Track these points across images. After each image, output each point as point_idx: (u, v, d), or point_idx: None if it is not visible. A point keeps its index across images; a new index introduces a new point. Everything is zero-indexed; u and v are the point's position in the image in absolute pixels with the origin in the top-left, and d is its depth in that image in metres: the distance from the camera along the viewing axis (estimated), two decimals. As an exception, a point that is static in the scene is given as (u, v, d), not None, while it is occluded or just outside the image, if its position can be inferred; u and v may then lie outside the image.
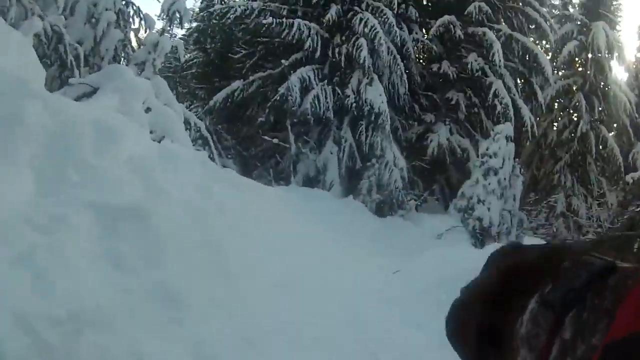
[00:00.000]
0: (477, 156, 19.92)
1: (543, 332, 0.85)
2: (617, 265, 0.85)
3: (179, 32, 31.59)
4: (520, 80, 24.37)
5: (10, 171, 5.60)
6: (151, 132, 10.40)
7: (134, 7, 15.79)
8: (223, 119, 21.92)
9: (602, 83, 26.87)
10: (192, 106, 23.26)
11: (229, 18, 21.57)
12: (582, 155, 26.26)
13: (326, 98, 19.66)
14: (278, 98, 19.30)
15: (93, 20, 13.95)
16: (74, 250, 5.34)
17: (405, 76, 21.18)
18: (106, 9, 13.91)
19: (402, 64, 20.95)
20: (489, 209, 17.84)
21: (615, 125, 28.16)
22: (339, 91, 20.02)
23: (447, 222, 18.08)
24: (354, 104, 19.55)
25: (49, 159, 6.08)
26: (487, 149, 18.27)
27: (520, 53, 23.43)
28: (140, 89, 10.57)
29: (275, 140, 19.34)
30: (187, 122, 13.95)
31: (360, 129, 19.57)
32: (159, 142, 10.02)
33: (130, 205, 6.25)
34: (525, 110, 22.10)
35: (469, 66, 21.78)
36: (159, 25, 17.61)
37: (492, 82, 21.62)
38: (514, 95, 22.11)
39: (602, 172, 27.03)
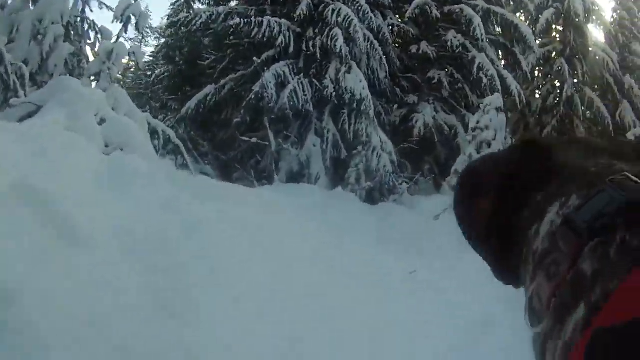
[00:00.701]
0: (465, 131, 19.12)
1: (564, 259, 0.78)
2: None
3: (148, 50, 30.58)
4: (502, 51, 23.53)
5: None
6: (107, 146, 9.05)
7: (89, 21, 14.59)
8: (197, 125, 20.55)
9: (582, 46, 25.91)
10: (167, 118, 21.84)
11: (194, 25, 20.05)
12: (569, 119, 25.40)
13: (304, 91, 18.38)
14: (253, 97, 18.01)
15: (39, 36, 12.54)
16: None
17: (384, 59, 19.95)
18: (52, 23, 12.51)
19: (380, 48, 19.70)
20: None
21: (596, 86, 27.16)
22: (317, 83, 18.71)
23: (443, 202, 16.78)
24: (334, 94, 18.28)
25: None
26: (477, 123, 17.27)
27: (500, 25, 22.71)
28: (91, 100, 9.32)
29: (254, 140, 17.89)
30: (154, 132, 12.58)
31: (343, 117, 18.31)
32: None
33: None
34: (510, 80, 21.03)
35: (449, 44, 20.88)
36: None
37: (475, 57, 20.65)
38: (498, 66, 21.27)
39: (590, 133, 25.74)
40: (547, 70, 26.90)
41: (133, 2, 14.54)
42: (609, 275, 0.70)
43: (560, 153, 0.97)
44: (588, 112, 26.06)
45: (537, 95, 26.74)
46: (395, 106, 21.64)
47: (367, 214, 15.11)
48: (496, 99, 17.58)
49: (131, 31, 15.45)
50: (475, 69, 20.52)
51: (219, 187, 10.67)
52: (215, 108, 20.05)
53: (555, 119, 25.25)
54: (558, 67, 25.59)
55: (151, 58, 33.28)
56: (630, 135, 19.87)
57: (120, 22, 14.19)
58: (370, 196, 17.08)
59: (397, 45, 22.51)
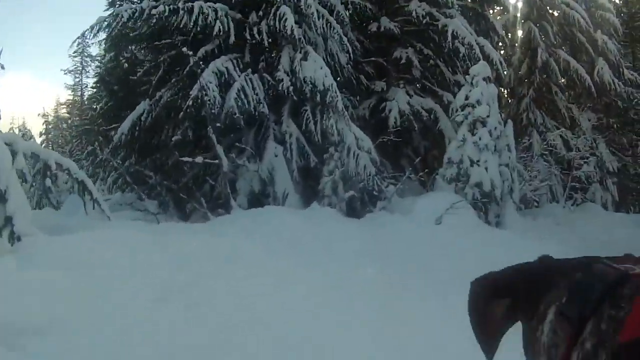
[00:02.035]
0: (447, 114, 16.82)
1: (562, 342, 0.93)
2: (631, 273, 0.92)
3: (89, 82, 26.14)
4: (472, 15, 19.63)
5: None
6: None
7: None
8: (136, 152, 16.11)
9: (550, 6, 23.23)
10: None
11: (117, 28, 15.14)
12: (547, 86, 22.73)
13: (254, 89, 14.15)
14: (191, 104, 13.66)
15: None
16: None
17: (345, 40, 15.72)
18: None
19: (338, 26, 15.52)
20: (486, 169, 14.21)
21: (564, 47, 24.16)
22: (269, 77, 14.59)
23: (441, 200, 13.27)
24: (291, 88, 14.14)
25: None
26: (466, 98, 14.53)
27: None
28: None
29: (200, 160, 13.51)
30: (46, 167, 8.34)
31: (306, 115, 14.26)
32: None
33: None
34: (489, 48, 17.50)
35: (414, 15, 17.35)
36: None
37: (447, 24, 17.14)
38: (472, 34, 17.48)
39: (569, 98, 23.73)
40: (515, 37, 24.54)
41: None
42: (606, 341, 0.85)
43: (560, 270, 1.10)
44: (566, 75, 23.31)
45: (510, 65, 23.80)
46: (357, 98, 18.04)
47: (356, 232, 11.07)
48: (483, 68, 15.14)
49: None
50: (449, 38, 16.93)
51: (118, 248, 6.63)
52: (153, 128, 15.66)
53: (531, 88, 22.58)
54: (527, 33, 22.74)
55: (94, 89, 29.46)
56: None
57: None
58: (353, 208, 13.09)
59: (354, 24, 18.39)
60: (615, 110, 23.30)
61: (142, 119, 15.26)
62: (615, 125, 23.66)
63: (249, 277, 6.44)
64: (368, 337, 5.52)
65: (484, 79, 14.53)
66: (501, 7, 22.33)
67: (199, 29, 14.57)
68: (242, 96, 13.80)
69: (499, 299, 1.14)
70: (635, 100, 22.95)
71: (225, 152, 13.49)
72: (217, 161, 13.27)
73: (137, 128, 15.31)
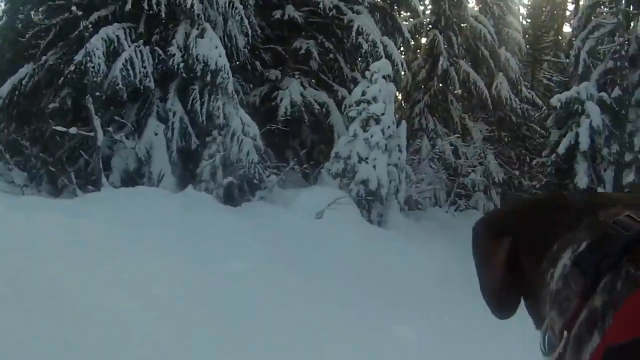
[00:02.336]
0: (339, 109, 16.71)
1: (574, 295, 0.84)
2: None
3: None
4: (380, 14, 19.29)
5: None
6: None
7: None
8: (14, 119, 15.06)
9: (458, 18, 23.14)
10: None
11: None
12: (443, 94, 22.84)
13: (143, 62, 13.45)
14: (74, 69, 12.85)
15: None
16: None
17: (246, 22, 15.13)
18: None
19: (241, 7, 14.93)
20: (374, 167, 14.07)
21: (466, 59, 24.24)
22: (161, 52, 13.89)
23: (324, 194, 13.10)
24: (182, 64, 13.50)
25: None
26: (363, 94, 14.36)
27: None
28: None
29: (74, 130, 12.65)
30: None
31: (194, 95, 13.61)
32: None
33: None
34: (391, 47, 17.29)
35: (320, 6, 16.94)
36: None
37: (353, 20, 16.91)
38: (377, 31, 17.30)
39: (464, 108, 23.95)
40: (418, 44, 24.88)
41: None
42: (618, 303, 0.75)
43: (573, 208, 0.99)
44: (465, 86, 23.38)
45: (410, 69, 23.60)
46: (251, 85, 17.42)
47: (231, 220, 10.57)
48: (385, 65, 14.95)
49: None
50: (353, 33, 16.67)
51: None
52: (34, 93, 14.64)
53: (428, 94, 22.57)
54: (432, 40, 22.78)
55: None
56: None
57: None
58: (231, 195, 12.58)
59: (257, 9, 17.64)
60: (509, 124, 23.70)
61: (24, 83, 14.27)
62: (506, 139, 24.09)
63: (89, 267, 5.80)
64: (222, 335, 5.05)
65: (384, 77, 14.42)
66: (411, 12, 22.22)
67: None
68: (129, 67, 13.12)
69: (498, 239, 1.03)
70: (531, 117, 23.49)
71: (103, 126, 12.73)
72: (92, 134, 12.49)
73: (17, 93, 14.27)
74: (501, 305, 1.07)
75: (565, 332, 0.82)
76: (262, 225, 10.72)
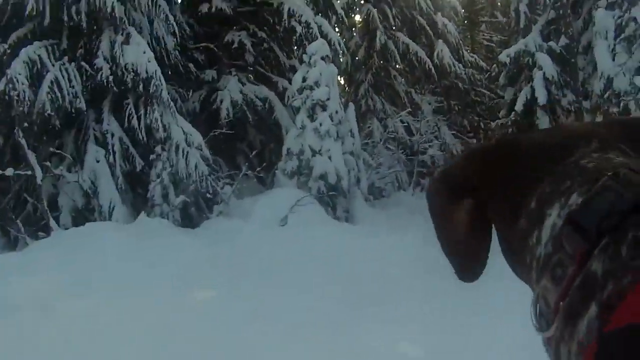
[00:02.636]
0: (282, 102, 16.11)
1: (570, 261, 0.73)
2: None
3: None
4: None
5: None
6: None
7: None
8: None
9: None
10: None
11: None
12: (385, 71, 22.13)
13: (70, 82, 12.32)
14: (-5, 100, 11.66)
15: None
16: None
17: (172, 20, 14.24)
18: None
19: (164, 2, 14.03)
20: (330, 158, 13.31)
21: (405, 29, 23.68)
22: (87, 67, 12.81)
23: (283, 197, 12.31)
24: (111, 77, 12.47)
25: None
26: (304, 80, 13.52)
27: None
28: None
29: (9, 172, 11.42)
30: None
31: (129, 110, 12.67)
32: None
33: None
34: (326, 27, 16.45)
35: None
36: None
37: (283, 2, 16.13)
38: (309, 12, 16.47)
39: (409, 82, 23.26)
40: (352, 22, 23.88)
41: None
42: (623, 273, 0.65)
43: (542, 149, 0.87)
44: (406, 58, 22.54)
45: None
46: (189, 91, 16.47)
47: (187, 245, 9.62)
48: (322, 46, 14.18)
49: None
50: (285, 17, 15.92)
51: None
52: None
53: (370, 73, 21.75)
54: (366, 16, 22.00)
55: None
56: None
57: None
58: (188, 215, 11.60)
59: (183, 6, 17.01)
60: (456, 92, 23.12)
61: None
62: (456, 107, 23.63)
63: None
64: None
65: (322, 58, 13.63)
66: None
67: (9, 7, 12.64)
68: (56, 89, 11.97)
69: (457, 200, 0.90)
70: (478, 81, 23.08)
71: (40, 161, 11.56)
72: (29, 172, 11.27)
73: None
74: (468, 268, 0.96)
75: (561, 304, 0.71)
76: (223, 245, 9.88)
